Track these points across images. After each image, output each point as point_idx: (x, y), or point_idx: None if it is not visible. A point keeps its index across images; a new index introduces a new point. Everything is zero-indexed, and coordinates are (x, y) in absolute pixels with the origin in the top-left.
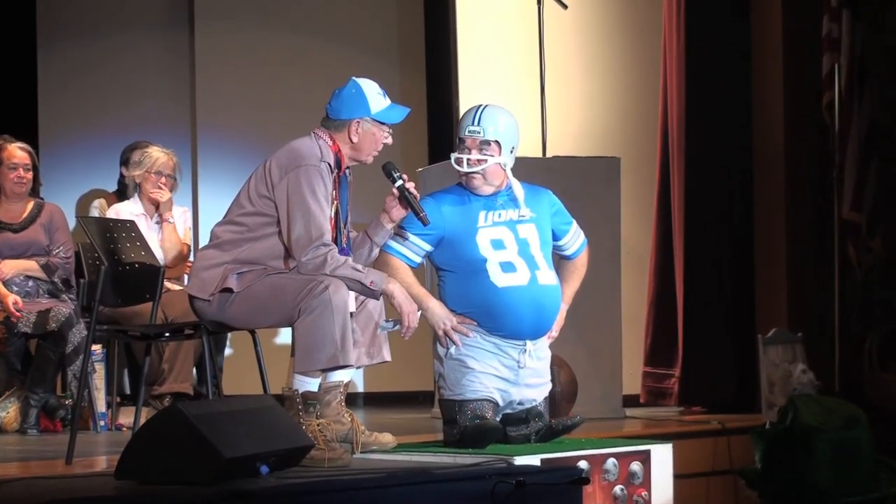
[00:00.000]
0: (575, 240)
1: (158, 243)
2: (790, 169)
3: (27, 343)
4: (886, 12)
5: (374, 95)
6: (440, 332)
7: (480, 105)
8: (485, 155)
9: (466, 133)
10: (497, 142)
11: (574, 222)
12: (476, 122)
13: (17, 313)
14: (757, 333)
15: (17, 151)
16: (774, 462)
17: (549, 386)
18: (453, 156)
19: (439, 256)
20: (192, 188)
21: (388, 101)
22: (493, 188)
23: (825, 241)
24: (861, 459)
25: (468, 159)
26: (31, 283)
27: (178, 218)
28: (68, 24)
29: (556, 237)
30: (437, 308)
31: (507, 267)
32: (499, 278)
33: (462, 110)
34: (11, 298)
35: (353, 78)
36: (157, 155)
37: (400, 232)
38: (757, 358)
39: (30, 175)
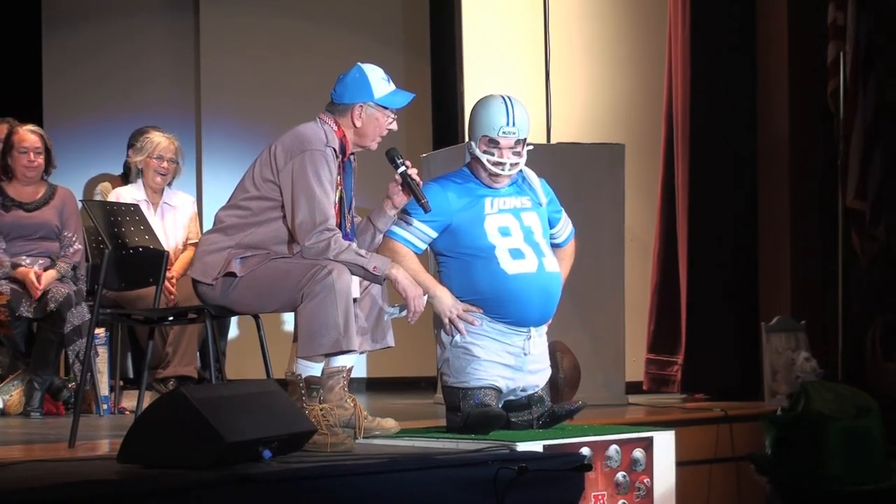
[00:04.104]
0: (565, 227)
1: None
2: (794, 156)
3: (32, 326)
4: (892, 0)
5: (378, 80)
6: (446, 320)
7: (505, 100)
8: (518, 156)
9: (501, 134)
10: (525, 139)
11: (563, 210)
12: (512, 123)
13: (38, 285)
14: (760, 321)
15: (29, 135)
16: (785, 449)
17: (550, 371)
18: (487, 158)
19: (443, 243)
20: (196, 172)
21: (392, 87)
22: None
23: (829, 229)
24: (873, 448)
25: (510, 163)
26: (36, 268)
27: (186, 206)
28: (72, 8)
29: (549, 225)
30: (444, 295)
31: (516, 254)
32: (508, 265)
33: (467, 96)
34: (34, 273)
35: (358, 63)
36: (159, 139)
37: (405, 218)
38: (760, 346)
39: (40, 159)
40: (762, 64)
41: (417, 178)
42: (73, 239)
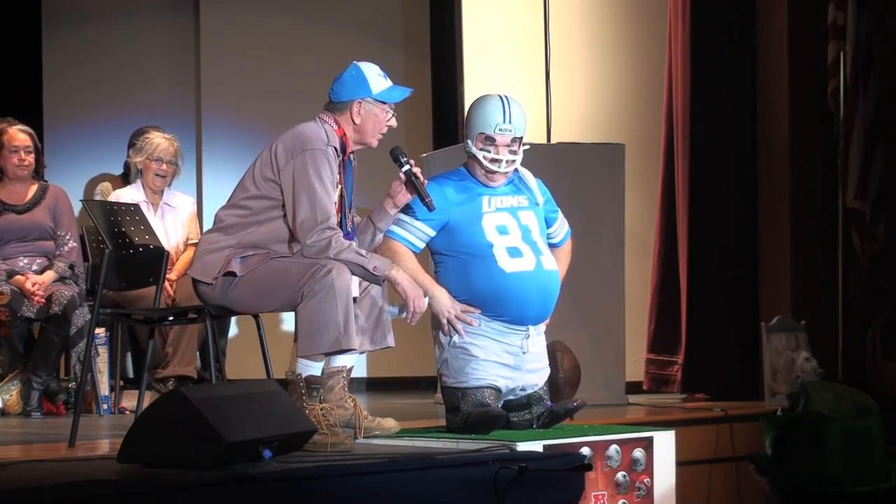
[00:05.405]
0: (562, 227)
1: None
2: (795, 156)
3: (31, 327)
4: (892, 0)
5: (375, 77)
6: (444, 321)
7: (502, 98)
8: (514, 153)
9: (497, 131)
10: (521, 137)
11: (559, 210)
12: (508, 120)
13: (39, 294)
14: (760, 321)
15: (19, 134)
16: (785, 449)
17: (548, 370)
18: (483, 155)
19: (440, 241)
20: (196, 172)
21: (389, 83)
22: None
23: (829, 229)
24: (872, 448)
25: (506, 160)
26: (34, 267)
27: (186, 207)
28: (73, 7)
29: (546, 225)
30: (442, 296)
31: (514, 252)
32: (507, 263)
33: (467, 96)
34: (30, 281)
35: (355, 61)
36: (158, 141)
37: (403, 217)
38: (760, 346)
39: (31, 158)
40: (762, 64)
41: (422, 177)
42: (68, 237)
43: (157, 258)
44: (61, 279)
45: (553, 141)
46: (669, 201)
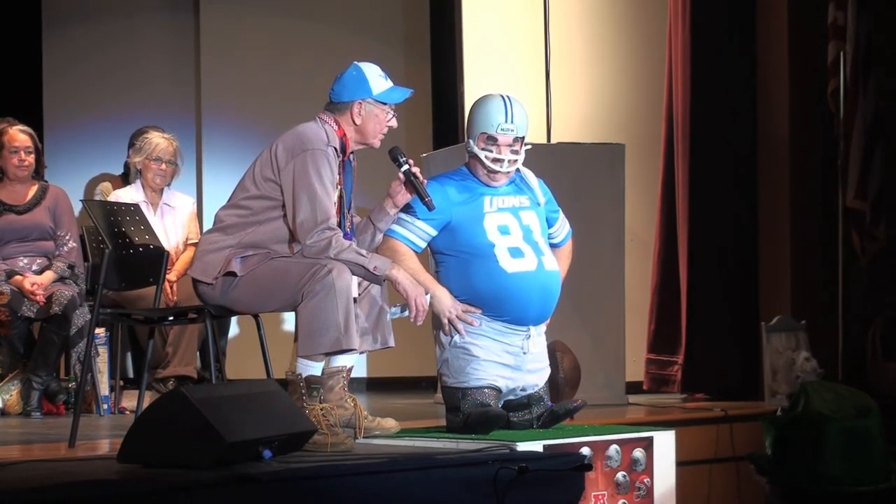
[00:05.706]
0: (563, 227)
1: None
2: (795, 156)
3: (31, 327)
4: (892, 0)
5: (376, 77)
6: (445, 321)
7: (504, 98)
8: (516, 153)
9: (499, 131)
10: (523, 137)
11: (560, 210)
12: (510, 120)
13: (39, 294)
14: (760, 321)
15: (19, 135)
16: (785, 449)
17: (549, 370)
18: (485, 154)
19: (442, 241)
20: (196, 172)
21: (389, 83)
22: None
23: (829, 228)
24: (872, 448)
25: (508, 160)
26: (34, 267)
27: (185, 207)
28: (72, 8)
29: (547, 225)
30: (443, 296)
31: (516, 252)
32: (508, 264)
33: (467, 96)
34: (28, 281)
35: (355, 62)
36: (157, 140)
37: (404, 216)
38: (760, 345)
39: (31, 158)
40: (762, 64)
41: (421, 177)
42: (68, 238)
43: (157, 258)
44: (61, 279)
45: (553, 141)
46: (669, 201)
